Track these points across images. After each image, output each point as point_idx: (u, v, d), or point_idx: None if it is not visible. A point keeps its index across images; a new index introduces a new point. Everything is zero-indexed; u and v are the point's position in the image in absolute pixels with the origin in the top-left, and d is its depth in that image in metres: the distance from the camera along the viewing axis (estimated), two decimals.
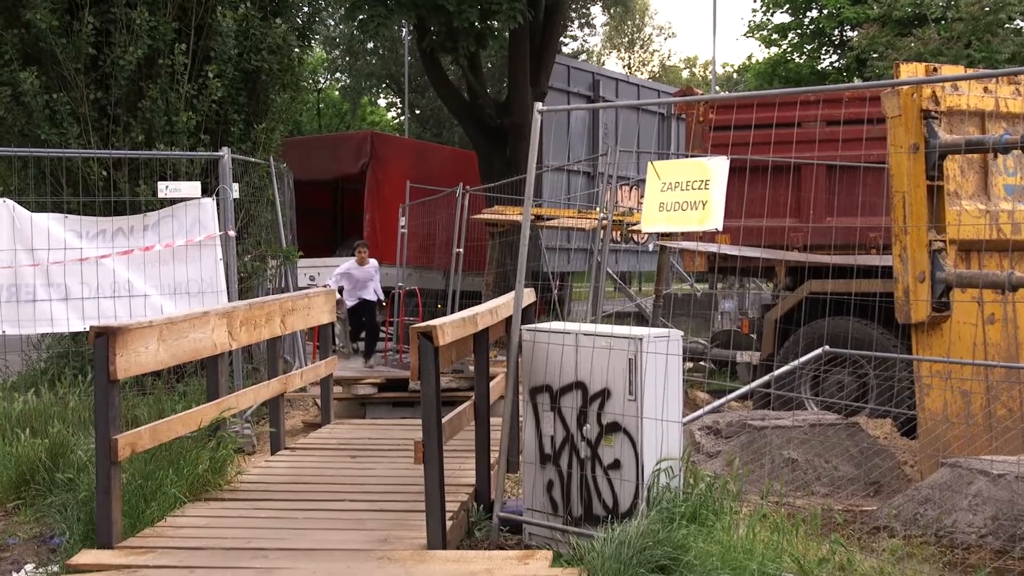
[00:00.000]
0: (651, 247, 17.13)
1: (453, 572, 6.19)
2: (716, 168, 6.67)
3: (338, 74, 50.14)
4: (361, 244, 16.67)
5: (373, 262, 16.62)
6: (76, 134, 12.25)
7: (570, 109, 23.04)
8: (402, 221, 19.37)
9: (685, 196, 6.83)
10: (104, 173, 12.07)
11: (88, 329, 10.51)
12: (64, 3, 12.32)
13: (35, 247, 10.45)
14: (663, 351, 6.90)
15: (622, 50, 70.97)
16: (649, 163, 7.12)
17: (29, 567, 7.12)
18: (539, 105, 7.68)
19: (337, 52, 47.20)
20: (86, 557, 6.58)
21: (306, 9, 14.69)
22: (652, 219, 7.01)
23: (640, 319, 17.82)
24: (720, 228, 6.76)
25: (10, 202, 10.51)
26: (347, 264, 16.56)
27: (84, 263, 10.58)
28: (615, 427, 6.92)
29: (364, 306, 16.56)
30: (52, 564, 7.10)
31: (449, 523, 6.91)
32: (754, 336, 13.51)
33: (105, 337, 6.72)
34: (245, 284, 12.79)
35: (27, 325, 10.51)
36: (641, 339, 6.78)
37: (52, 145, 12.05)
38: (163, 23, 12.50)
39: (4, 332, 10.43)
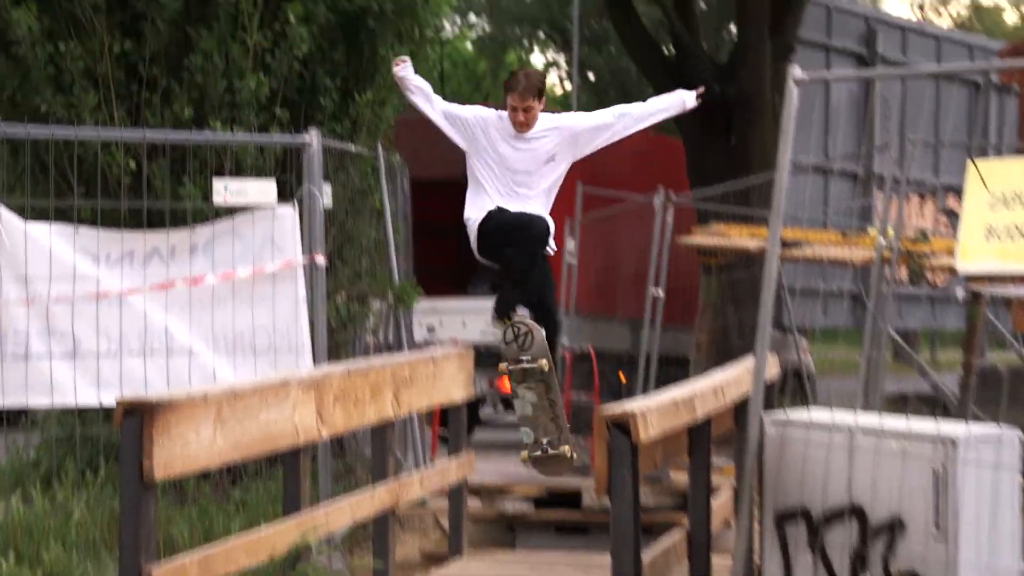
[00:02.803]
0: (959, 294, 16.85)
1: None
2: None
3: (472, 17, 50.71)
4: (530, 73, 10.63)
5: (552, 122, 10.22)
6: (93, 105, 12.55)
7: (846, 77, 22.89)
8: (570, 244, 19.49)
9: None
10: (133, 164, 12.34)
11: (105, 403, 10.87)
12: None
13: (30, 274, 10.69)
14: (990, 460, 6.81)
15: None
16: (969, 162, 7.05)
17: None
18: (796, 70, 7.69)
19: None
20: None
21: None
22: (975, 252, 6.92)
23: (939, 406, 17.56)
24: None
25: None
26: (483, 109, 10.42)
27: (102, 300, 10.83)
28: None
29: (515, 233, 10.13)
30: None
31: None
32: None
33: (138, 417, 6.85)
34: (337, 337, 12.96)
35: (15, 394, 10.72)
36: (955, 441, 6.71)
37: (57, 120, 12.34)
38: None
39: None
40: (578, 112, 11.04)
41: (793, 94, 7.54)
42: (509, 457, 18.08)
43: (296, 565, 8.53)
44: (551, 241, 10.29)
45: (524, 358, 9.56)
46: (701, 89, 10.68)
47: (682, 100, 10.59)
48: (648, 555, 7.20)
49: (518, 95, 9.83)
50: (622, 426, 6.73)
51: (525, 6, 47.53)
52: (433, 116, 10.16)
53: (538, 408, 9.73)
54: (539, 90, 9.99)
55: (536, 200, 10.15)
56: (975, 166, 6.94)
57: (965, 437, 6.77)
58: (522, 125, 9.91)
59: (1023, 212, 6.79)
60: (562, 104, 47.53)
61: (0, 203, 10.81)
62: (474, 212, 10.19)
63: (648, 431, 6.83)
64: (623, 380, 19.35)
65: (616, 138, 10.52)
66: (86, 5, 12.54)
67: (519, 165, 10.03)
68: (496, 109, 10.20)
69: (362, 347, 13.70)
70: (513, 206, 10.08)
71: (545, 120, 10.11)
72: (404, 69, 10.08)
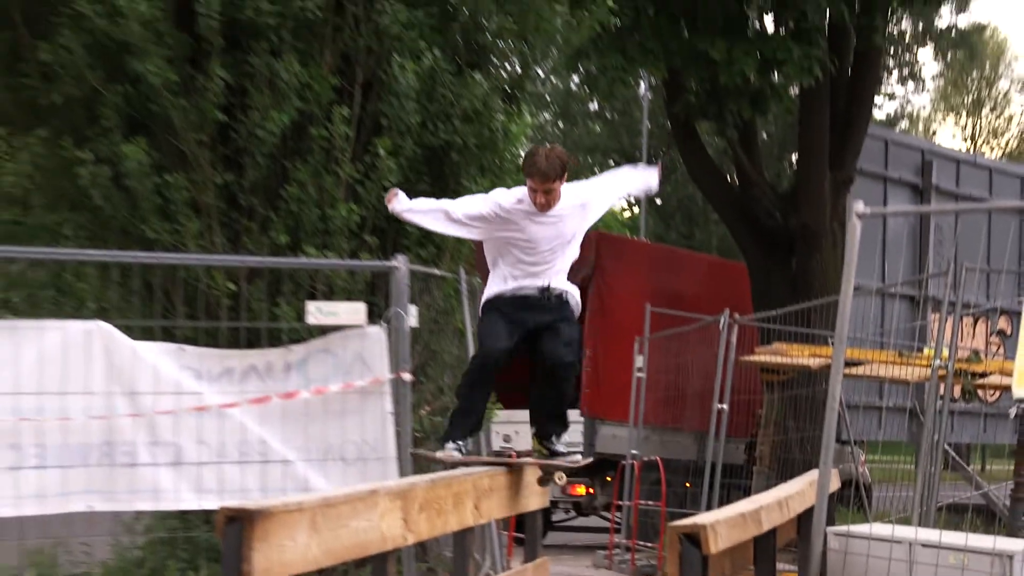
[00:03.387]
0: (1012, 412, 16.80)
1: None
2: None
3: (548, 145, 50.93)
4: (551, 154, 9.22)
5: (576, 198, 9.47)
6: (196, 232, 12.68)
7: (904, 212, 22.87)
8: (639, 361, 19.48)
9: None
10: (232, 287, 12.45)
11: (205, 508, 10.93)
12: (186, 51, 12.80)
13: (137, 390, 10.79)
14: None
15: (962, 114, 70.15)
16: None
17: None
18: (859, 205, 7.71)
19: (547, 115, 48.02)
20: None
21: (515, 60, 14.98)
22: None
23: (990, 517, 17.39)
24: None
25: (106, 327, 10.86)
26: (500, 196, 9.53)
27: (203, 413, 10.90)
28: None
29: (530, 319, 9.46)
30: None
31: None
32: None
33: (239, 524, 6.85)
34: (420, 448, 12.96)
35: (122, 498, 10.82)
36: (1012, 556, 6.65)
37: (163, 246, 12.47)
38: (319, 79, 12.93)
39: (91, 507, 10.75)
40: (587, 182, 10.08)
41: (856, 227, 7.55)
42: (580, 559, 18.07)
43: None
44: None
45: None
46: (659, 166, 10.26)
47: (647, 184, 10.15)
48: None
49: (539, 179, 9.04)
50: (693, 538, 6.71)
51: (596, 136, 47.78)
52: (449, 230, 9.62)
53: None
54: (562, 171, 9.12)
55: (556, 274, 9.46)
56: None
57: (1021, 552, 6.71)
58: (543, 206, 9.14)
59: None
60: (631, 229, 47.66)
61: (111, 324, 10.93)
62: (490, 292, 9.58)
63: (717, 543, 6.80)
64: (688, 487, 19.25)
65: (605, 208, 10.07)
66: (191, 140, 12.69)
67: (544, 244, 9.29)
68: (511, 191, 9.45)
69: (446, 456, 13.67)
70: (523, 284, 9.40)
71: (568, 195, 9.32)
72: (399, 203, 9.38)
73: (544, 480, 9.92)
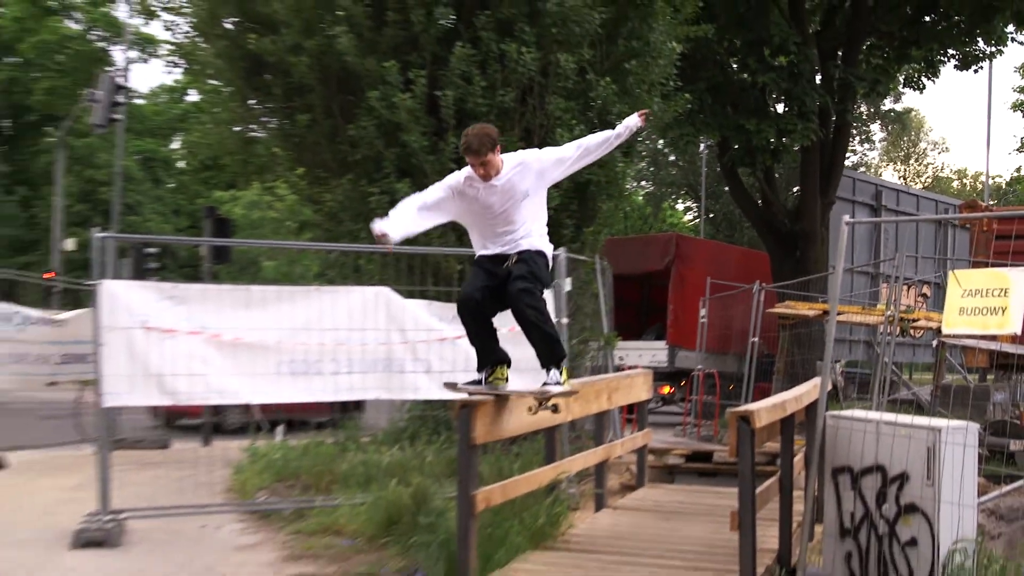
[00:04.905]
0: (934, 343, 16.44)
1: None
2: (1017, 278, 6.35)
3: (643, 182, 50.71)
4: (480, 132, 6.90)
5: (516, 160, 7.08)
6: (438, 234, 12.76)
7: (878, 222, 22.61)
8: (702, 312, 19.26)
9: (985, 303, 6.51)
10: (459, 267, 12.54)
11: (444, 398, 10.99)
12: (432, 127, 12.91)
13: (405, 328, 10.86)
14: (960, 442, 6.56)
15: (898, 163, 68.64)
16: (951, 272, 6.83)
17: None
18: (846, 217, 7.53)
19: (643, 164, 47.76)
20: None
21: None
22: (953, 322, 6.69)
23: (917, 407, 16.96)
24: (1019, 332, 6.42)
25: (386, 290, 10.97)
26: (451, 177, 7.18)
27: (443, 342, 10.96)
28: (912, 508, 6.61)
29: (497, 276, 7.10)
30: None
31: None
32: None
33: (468, 409, 6.93)
34: (572, 364, 12.94)
35: (396, 391, 10.91)
36: (940, 430, 6.48)
37: (419, 244, 12.60)
38: (512, 143, 12.90)
39: (379, 396, 10.91)
40: (540, 149, 7.23)
41: (844, 231, 7.38)
42: (666, 431, 17.89)
43: (552, 490, 8.50)
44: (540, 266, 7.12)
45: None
46: (646, 112, 7.26)
47: (627, 127, 7.13)
48: (758, 489, 7.03)
49: (473, 155, 6.73)
50: (746, 419, 6.62)
51: (673, 176, 47.37)
52: (429, 220, 7.06)
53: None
54: (491, 144, 6.76)
55: (521, 238, 7.01)
56: (954, 275, 6.75)
57: (945, 427, 6.54)
58: (485, 176, 6.79)
59: (980, 300, 6.57)
60: (694, 231, 47.13)
61: (390, 289, 11.05)
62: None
63: (761, 421, 6.71)
64: (731, 388, 19.02)
65: (576, 167, 7.23)
66: (435, 180, 12.70)
67: (498, 207, 6.90)
68: (461, 171, 7.04)
69: (584, 370, 13.67)
70: (499, 250, 7.05)
71: (510, 160, 6.96)
72: (387, 232, 6.45)
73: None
